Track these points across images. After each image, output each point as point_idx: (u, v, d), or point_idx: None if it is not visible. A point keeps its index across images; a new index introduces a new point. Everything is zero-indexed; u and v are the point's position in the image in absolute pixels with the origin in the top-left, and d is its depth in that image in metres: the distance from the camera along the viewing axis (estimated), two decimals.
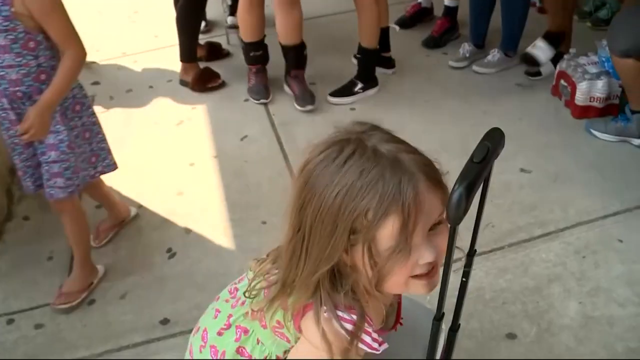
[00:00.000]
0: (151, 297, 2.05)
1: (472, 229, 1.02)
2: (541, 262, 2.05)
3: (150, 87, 3.30)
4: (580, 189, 2.32)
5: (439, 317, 1.06)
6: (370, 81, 3.00)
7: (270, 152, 2.66)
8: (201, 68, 3.18)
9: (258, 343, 1.10)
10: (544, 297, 1.93)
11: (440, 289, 1.01)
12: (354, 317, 0.91)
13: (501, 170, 2.37)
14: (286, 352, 1.08)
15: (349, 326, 0.91)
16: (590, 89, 2.57)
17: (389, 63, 3.16)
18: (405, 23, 3.57)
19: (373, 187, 0.81)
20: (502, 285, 1.99)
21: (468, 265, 1.11)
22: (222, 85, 3.18)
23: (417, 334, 1.30)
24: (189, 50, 3.16)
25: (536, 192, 2.34)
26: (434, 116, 2.82)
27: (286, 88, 3.02)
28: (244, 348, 1.12)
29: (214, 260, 2.19)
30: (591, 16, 3.37)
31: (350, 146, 0.84)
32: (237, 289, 1.17)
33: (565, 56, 2.74)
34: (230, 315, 1.14)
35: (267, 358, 1.10)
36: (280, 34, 2.84)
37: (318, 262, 0.87)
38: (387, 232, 0.82)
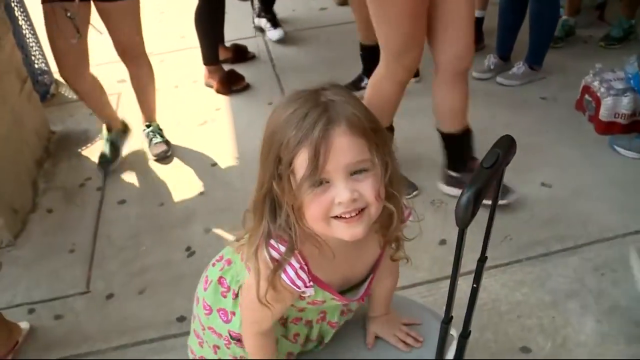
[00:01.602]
0: (169, 294, 2.08)
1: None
2: (559, 277, 2.04)
3: (176, 87, 3.35)
4: (601, 205, 2.31)
5: (446, 321, 1.08)
6: None
7: None
8: (226, 70, 3.22)
9: (236, 275, 1.19)
10: (560, 313, 1.92)
11: (449, 292, 1.03)
12: (283, 248, 0.98)
13: (522, 183, 2.37)
14: None
15: (276, 254, 0.98)
16: (616, 105, 2.56)
17: None
18: None
19: (297, 122, 0.89)
20: (519, 298, 1.98)
21: (479, 271, 1.13)
22: (247, 87, 3.22)
23: (425, 338, 1.32)
24: (210, 53, 3.20)
25: (556, 206, 2.33)
26: None
27: None
28: (224, 278, 1.21)
29: None
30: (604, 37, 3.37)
31: (304, 93, 0.94)
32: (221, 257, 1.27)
33: (591, 71, 2.73)
34: (223, 253, 1.27)
35: (240, 288, 1.18)
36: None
37: (260, 185, 0.96)
38: (300, 162, 0.89)
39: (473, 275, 2.09)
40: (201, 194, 2.52)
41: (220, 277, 1.22)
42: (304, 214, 0.93)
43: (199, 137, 2.89)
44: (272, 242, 0.98)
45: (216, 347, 1.28)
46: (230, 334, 1.22)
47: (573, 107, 2.88)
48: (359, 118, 0.90)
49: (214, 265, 1.26)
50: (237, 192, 2.51)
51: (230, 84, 3.18)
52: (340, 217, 0.92)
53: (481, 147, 2.59)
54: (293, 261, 0.98)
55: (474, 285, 1.11)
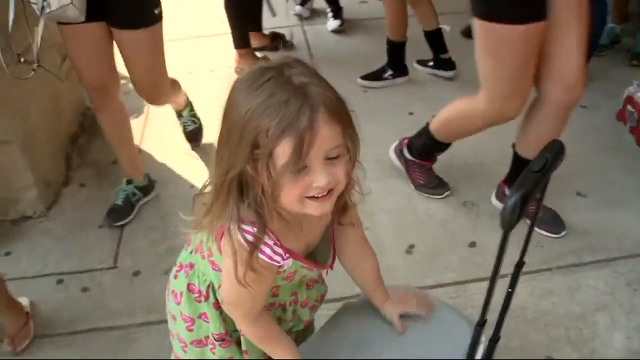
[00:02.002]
0: None
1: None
2: (589, 289, 2.00)
3: (212, 71, 3.36)
4: (637, 219, 2.26)
5: (481, 323, 1.06)
6: (399, 70, 3.17)
7: None
8: (257, 57, 3.22)
9: (200, 275, 1.21)
10: (588, 325, 1.88)
11: (487, 294, 1.01)
12: (255, 229, 0.99)
13: (556, 191, 2.32)
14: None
15: (250, 237, 0.99)
16: None
17: (447, 65, 3.18)
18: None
19: (276, 110, 0.88)
20: (547, 308, 1.95)
21: (515, 275, 1.11)
22: None
23: (453, 340, 1.30)
24: (240, 37, 3.20)
25: (591, 217, 2.28)
26: (493, 128, 2.77)
27: None
28: (192, 284, 1.22)
29: None
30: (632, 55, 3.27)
31: (269, 72, 0.92)
32: (189, 241, 1.26)
33: (635, 82, 2.66)
34: (181, 260, 1.27)
35: (210, 287, 1.19)
36: None
37: (227, 168, 0.95)
38: (282, 151, 0.90)
39: (504, 279, 2.07)
40: None
41: (189, 284, 1.22)
42: (278, 195, 0.96)
43: None
44: (244, 226, 0.99)
45: None
46: (213, 336, 1.24)
47: (614, 117, 2.82)
48: (336, 105, 0.93)
49: (176, 277, 1.26)
50: None
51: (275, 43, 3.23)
52: (313, 197, 0.96)
53: (508, 149, 2.57)
54: (267, 239, 1.01)
55: (509, 289, 1.09)
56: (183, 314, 1.25)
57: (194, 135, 2.69)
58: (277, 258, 1.04)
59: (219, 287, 1.16)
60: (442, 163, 2.56)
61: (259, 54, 3.35)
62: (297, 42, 3.54)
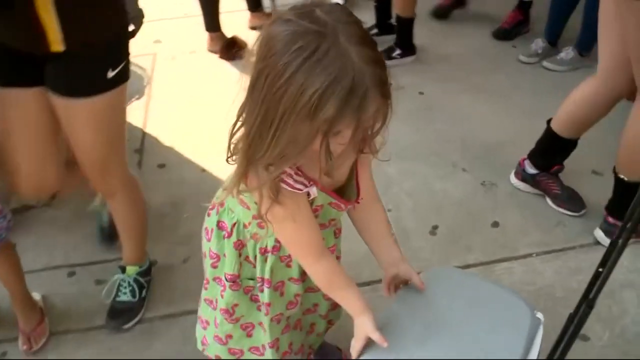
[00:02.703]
0: None
1: None
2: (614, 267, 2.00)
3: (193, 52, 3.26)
4: None
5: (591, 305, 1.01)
6: (408, 49, 3.11)
7: None
8: (228, 37, 3.14)
9: (228, 212, 1.23)
10: (617, 302, 1.88)
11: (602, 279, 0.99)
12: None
13: (572, 170, 2.32)
14: (249, 223, 1.19)
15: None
16: None
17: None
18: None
19: (344, 97, 0.87)
20: (574, 286, 1.94)
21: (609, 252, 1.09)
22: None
23: (516, 326, 1.27)
24: (211, 20, 3.12)
25: (608, 195, 2.26)
26: (504, 109, 2.76)
27: None
28: (222, 221, 1.25)
29: None
30: None
31: (325, 43, 0.87)
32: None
33: None
34: (215, 199, 1.30)
35: (235, 224, 1.21)
36: None
37: (286, 148, 0.93)
38: (345, 134, 0.94)
39: (526, 259, 2.02)
40: None
41: (218, 221, 1.25)
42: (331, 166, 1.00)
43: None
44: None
45: (212, 302, 1.39)
46: (225, 276, 1.28)
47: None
48: (386, 83, 0.93)
49: (209, 215, 1.30)
50: None
51: (234, 51, 3.09)
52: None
53: (532, 132, 2.55)
54: (287, 169, 1.02)
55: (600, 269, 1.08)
56: (211, 250, 1.29)
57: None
58: (299, 186, 1.05)
59: (247, 224, 1.20)
60: (456, 144, 2.53)
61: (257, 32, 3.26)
62: None
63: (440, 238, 2.11)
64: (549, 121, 2.18)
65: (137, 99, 2.77)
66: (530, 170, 2.25)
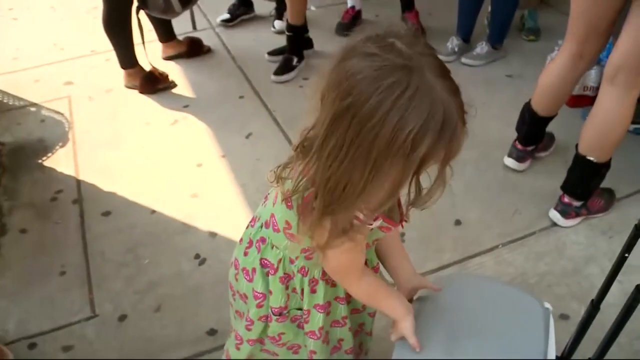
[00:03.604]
0: (190, 308, 1.91)
1: None
2: (574, 245, 2.11)
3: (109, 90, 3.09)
4: None
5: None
6: (300, 54, 3.16)
7: (281, 149, 2.54)
8: (146, 71, 2.99)
9: (272, 248, 1.18)
10: (584, 278, 1.98)
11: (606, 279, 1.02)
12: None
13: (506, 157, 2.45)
14: (297, 257, 1.16)
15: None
16: (584, 79, 2.66)
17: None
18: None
19: (438, 132, 0.85)
20: (544, 269, 2.02)
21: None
22: (173, 85, 3.03)
23: (528, 325, 1.30)
24: (125, 56, 2.95)
25: (551, 179, 2.37)
26: None
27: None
28: (265, 259, 1.20)
29: None
30: (523, 29, 3.45)
31: (414, 78, 0.84)
32: (254, 218, 1.25)
33: (556, 47, 2.83)
34: (250, 237, 1.23)
35: (281, 260, 1.18)
36: None
37: (379, 190, 0.91)
38: (433, 167, 0.93)
39: (493, 251, 2.07)
40: (193, 196, 2.33)
41: (262, 259, 1.21)
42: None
43: (174, 137, 2.68)
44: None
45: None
46: (272, 311, 1.25)
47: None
48: (463, 112, 0.93)
49: (246, 254, 1.24)
50: (232, 191, 2.36)
51: (154, 84, 2.97)
52: None
53: (468, 126, 2.64)
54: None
55: (626, 254, 1.12)
56: (255, 291, 1.24)
57: None
58: (371, 221, 1.02)
59: (294, 259, 1.17)
60: None
61: (174, 63, 3.17)
62: (214, 46, 3.35)
63: (410, 244, 2.12)
64: (576, 146, 2.15)
65: (61, 146, 2.57)
66: (578, 203, 2.20)
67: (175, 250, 2.11)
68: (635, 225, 1.13)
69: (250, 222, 1.26)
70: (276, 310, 1.24)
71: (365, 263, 1.23)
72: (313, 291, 1.21)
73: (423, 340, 1.20)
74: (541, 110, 2.30)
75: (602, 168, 2.09)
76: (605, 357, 1.34)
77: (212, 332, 1.83)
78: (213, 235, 2.16)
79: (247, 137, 2.64)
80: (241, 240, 1.27)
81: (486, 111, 2.77)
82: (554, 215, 2.21)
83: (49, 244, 2.14)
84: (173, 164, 2.51)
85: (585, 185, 2.15)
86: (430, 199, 1.00)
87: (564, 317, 1.84)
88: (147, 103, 2.93)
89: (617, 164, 2.45)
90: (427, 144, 0.84)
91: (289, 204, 1.05)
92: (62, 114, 2.83)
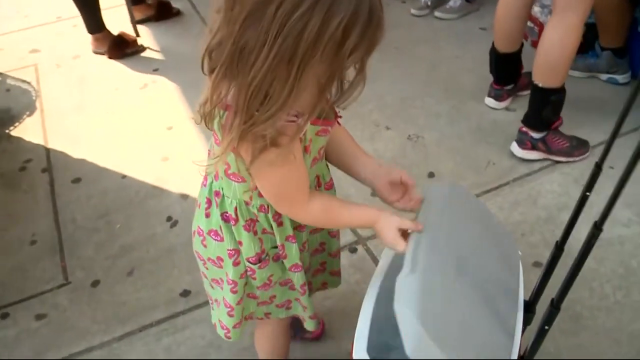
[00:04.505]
0: (163, 271, 1.90)
1: None
2: (547, 194, 2.10)
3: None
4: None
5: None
6: None
7: None
8: (114, 35, 2.92)
9: (226, 198, 1.11)
10: (558, 226, 1.98)
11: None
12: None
13: (485, 108, 2.45)
14: (251, 197, 1.09)
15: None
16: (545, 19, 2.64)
17: None
18: None
19: (364, 24, 0.82)
20: (518, 218, 2.03)
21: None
22: (142, 49, 2.96)
23: (513, 264, 1.30)
24: (92, 20, 2.88)
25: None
26: (408, 62, 2.79)
27: None
28: (225, 212, 1.12)
29: None
30: None
31: None
32: (205, 176, 1.16)
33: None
34: (207, 196, 1.14)
35: (237, 208, 1.10)
36: None
37: (308, 89, 0.85)
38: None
39: None
40: (165, 159, 2.30)
41: (222, 214, 1.12)
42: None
43: (143, 100, 2.63)
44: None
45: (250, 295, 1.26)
46: (250, 261, 1.17)
47: None
48: None
49: (208, 215, 1.15)
50: (203, 152, 2.28)
51: (123, 48, 2.91)
52: None
53: (440, 80, 2.62)
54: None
55: (587, 193, 1.12)
56: (228, 249, 1.16)
57: None
58: (292, 118, 0.92)
59: (249, 201, 1.09)
60: (372, 104, 2.53)
61: (143, 27, 3.09)
62: (184, 8, 3.27)
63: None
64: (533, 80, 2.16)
65: (29, 115, 2.53)
66: (537, 135, 2.22)
67: (147, 213, 2.09)
68: (596, 163, 1.12)
69: (202, 181, 1.18)
70: (253, 259, 1.17)
71: (318, 181, 1.18)
72: (280, 224, 1.14)
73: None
74: (501, 46, 2.33)
75: (550, 94, 2.10)
76: None
77: (185, 293, 1.83)
78: (184, 197, 2.14)
79: None
80: (199, 204, 1.18)
81: (460, 64, 2.74)
82: (513, 146, 2.24)
83: (19, 213, 2.12)
84: (143, 128, 2.47)
85: (537, 113, 2.17)
86: (352, 95, 0.92)
87: (537, 264, 1.84)
88: (115, 68, 2.88)
89: (591, 113, 2.48)
90: (357, 33, 0.80)
91: (217, 141, 0.99)
92: (28, 83, 2.77)
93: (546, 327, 1.08)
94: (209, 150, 1.14)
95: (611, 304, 1.74)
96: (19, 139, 2.45)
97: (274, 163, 0.92)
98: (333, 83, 0.88)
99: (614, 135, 1.04)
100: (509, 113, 2.45)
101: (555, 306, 1.05)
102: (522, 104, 2.38)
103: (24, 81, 2.78)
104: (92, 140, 2.42)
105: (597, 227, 0.99)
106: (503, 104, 2.46)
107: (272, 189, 1.04)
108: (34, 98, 2.65)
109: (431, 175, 2.19)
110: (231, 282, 1.20)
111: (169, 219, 2.06)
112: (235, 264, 1.17)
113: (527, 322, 1.31)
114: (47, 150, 2.38)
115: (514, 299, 1.20)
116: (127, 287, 1.86)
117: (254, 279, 1.21)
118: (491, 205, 2.07)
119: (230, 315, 1.26)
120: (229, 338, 1.32)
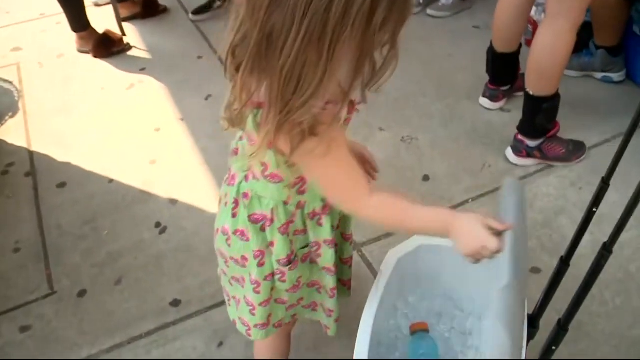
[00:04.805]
0: (152, 279, 1.84)
1: None
2: (544, 197, 2.07)
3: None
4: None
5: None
6: None
7: None
8: (100, 33, 2.85)
9: (260, 199, 1.09)
10: (554, 230, 1.95)
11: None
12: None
13: (479, 109, 2.41)
14: (289, 196, 1.06)
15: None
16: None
17: None
18: None
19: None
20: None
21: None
22: (129, 47, 2.89)
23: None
24: (77, 18, 2.80)
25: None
26: (401, 61, 2.70)
27: None
28: (255, 214, 1.10)
29: (212, 229, 1.96)
30: None
31: None
32: (232, 176, 1.14)
33: None
34: (235, 197, 1.12)
35: (274, 210, 1.08)
36: None
37: (351, 70, 0.84)
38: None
39: (464, 205, 2.04)
40: (152, 162, 2.24)
41: (250, 215, 1.10)
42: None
43: (130, 101, 2.56)
44: None
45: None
46: (280, 263, 1.15)
47: None
48: None
49: (235, 216, 1.12)
50: (192, 155, 2.27)
51: (109, 47, 2.83)
52: None
53: (435, 78, 2.57)
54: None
55: (594, 209, 1.08)
56: (254, 250, 1.13)
57: None
58: (327, 105, 0.89)
59: (287, 200, 1.07)
60: (365, 105, 2.48)
61: (129, 25, 3.01)
62: (171, 5, 3.19)
63: None
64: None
65: (11, 116, 2.45)
66: (532, 143, 2.17)
67: (135, 219, 2.03)
68: (602, 178, 1.08)
69: (229, 179, 1.15)
70: (284, 260, 1.14)
71: None
72: (319, 224, 1.12)
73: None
74: (499, 45, 2.28)
75: (542, 102, 2.07)
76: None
77: (175, 302, 1.77)
78: (173, 202, 2.08)
79: (206, 98, 2.53)
80: (225, 203, 1.15)
81: (453, 63, 2.70)
82: (508, 152, 2.21)
83: (1, 220, 2.04)
84: (130, 130, 2.40)
85: (531, 121, 2.13)
86: (385, 74, 0.89)
87: (535, 270, 1.81)
88: (101, 67, 2.80)
89: (587, 114, 2.45)
90: (386, 4, 0.77)
91: (253, 140, 0.96)
92: (10, 82, 2.69)
93: (553, 348, 1.05)
94: (234, 149, 1.12)
95: (611, 310, 1.71)
96: (1, 141, 2.37)
97: (316, 152, 0.89)
98: (366, 62, 0.85)
99: (621, 153, 1.00)
100: (504, 114, 2.42)
101: (562, 327, 1.01)
102: (517, 105, 2.35)
103: (5, 81, 2.70)
104: (77, 143, 2.35)
105: (607, 250, 0.95)
106: (498, 105, 2.43)
107: (322, 182, 1.00)
108: (16, 98, 2.58)
109: (426, 178, 2.15)
110: (254, 282, 1.18)
111: (157, 224, 2.00)
112: (260, 264, 1.15)
113: (530, 337, 1.27)
114: (31, 153, 2.31)
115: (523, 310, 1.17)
116: (115, 297, 1.80)
117: (284, 281, 1.18)
118: (488, 208, 2.04)
119: (253, 314, 1.24)
120: (250, 336, 1.29)
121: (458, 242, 0.96)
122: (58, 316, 1.76)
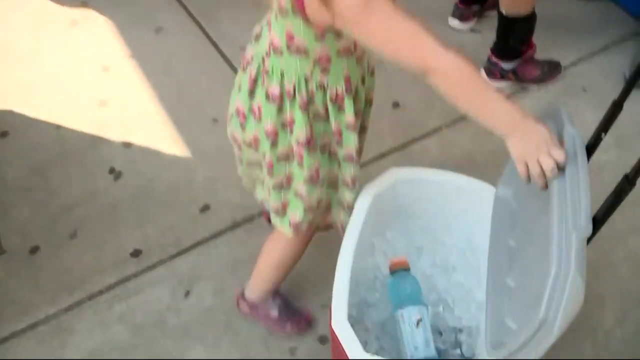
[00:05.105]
0: (109, 229, 1.73)
1: None
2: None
3: None
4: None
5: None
6: None
7: (197, 43, 2.26)
8: None
9: (282, 75, 1.06)
10: None
11: None
12: None
13: (448, 31, 2.29)
14: (311, 72, 1.04)
15: None
16: None
17: None
18: None
19: None
20: (491, 148, 1.88)
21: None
22: None
23: None
24: None
25: None
26: None
27: None
28: (273, 88, 1.08)
29: (171, 172, 1.88)
30: None
31: None
32: (247, 62, 1.15)
33: None
34: (253, 77, 1.12)
35: (295, 83, 1.06)
36: None
37: None
38: None
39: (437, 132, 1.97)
40: (102, 104, 2.06)
41: (267, 91, 1.09)
42: None
43: (74, 39, 2.33)
44: None
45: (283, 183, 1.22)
46: (298, 142, 1.13)
47: None
48: None
49: (252, 94, 1.12)
50: (145, 94, 2.10)
51: None
52: None
53: None
54: None
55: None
56: (266, 128, 1.12)
57: None
58: None
59: (309, 76, 1.05)
60: None
61: None
62: None
63: None
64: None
65: None
66: (507, 65, 2.07)
67: (87, 166, 1.89)
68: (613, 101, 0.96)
69: (243, 65, 1.16)
70: (303, 141, 1.11)
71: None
72: (341, 110, 1.10)
73: None
74: None
75: (515, 23, 1.97)
76: None
77: (136, 253, 1.67)
78: (127, 145, 1.94)
79: (156, 32, 2.32)
80: (239, 87, 1.17)
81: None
82: (481, 74, 2.09)
83: None
84: (76, 71, 2.19)
85: (504, 42, 2.03)
86: None
87: None
88: (39, 4, 2.51)
89: (561, 32, 2.33)
90: None
91: (282, 5, 0.95)
92: None
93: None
94: (257, 33, 1.13)
95: None
96: None
97: (359, 5, 0.87)
98: None
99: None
100: (475, 35, 2.30)
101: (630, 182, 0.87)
102: (488, 25, 2.24)
103: None
104: (18, 90, 2.14)
105: (630, 182, 0.83)
106: (468, 25, 2.30)
107: (380, 36, 0.91)
108: None
109: (396, 104, 2.04)
110: (269, 163, 1.17)
111: (111, 170, 1.86)
112: (273, 144, 1.14)
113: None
114: None
115: None
116: (71, 251, 1.68)
117: (301, 163, 1.15)
118: (463, 135, 1.95)
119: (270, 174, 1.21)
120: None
121: (519, 143, 0.89)
122: (10, 276, 1.64)
